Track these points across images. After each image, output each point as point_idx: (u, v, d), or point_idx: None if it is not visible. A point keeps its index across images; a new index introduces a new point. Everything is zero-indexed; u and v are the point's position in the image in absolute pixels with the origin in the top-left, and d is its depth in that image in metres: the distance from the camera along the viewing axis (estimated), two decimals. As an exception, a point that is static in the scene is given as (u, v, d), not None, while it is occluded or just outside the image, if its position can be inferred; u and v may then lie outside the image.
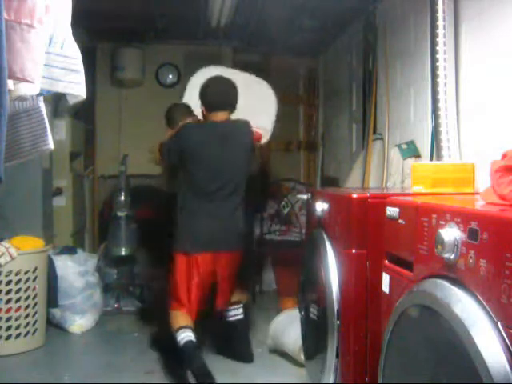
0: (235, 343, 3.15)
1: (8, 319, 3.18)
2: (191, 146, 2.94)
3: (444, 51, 2.48)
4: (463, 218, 1.19)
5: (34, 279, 3.28)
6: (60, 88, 1.73)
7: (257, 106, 3.54)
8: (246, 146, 3.05)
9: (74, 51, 1.75)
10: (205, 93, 3.02)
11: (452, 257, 1.20)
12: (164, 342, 3.26)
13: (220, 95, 3.01)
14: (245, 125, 3.07)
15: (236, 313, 3.18)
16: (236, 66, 5.40)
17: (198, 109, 3.24)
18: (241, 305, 3.21)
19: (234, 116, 3.11)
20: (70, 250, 3.88)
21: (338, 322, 1.97)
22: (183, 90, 4.85)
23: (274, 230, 4.72)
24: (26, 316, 3.25)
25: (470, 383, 1.08)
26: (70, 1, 1.72)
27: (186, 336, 2.77)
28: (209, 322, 3.07)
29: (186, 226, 2.95)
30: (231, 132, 3.02)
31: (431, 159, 2.73)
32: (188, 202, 2.96)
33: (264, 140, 3.58)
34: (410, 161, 2.92)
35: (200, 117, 3.25)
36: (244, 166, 3.03)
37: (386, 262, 1.63)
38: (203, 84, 3.08)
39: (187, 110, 3.74)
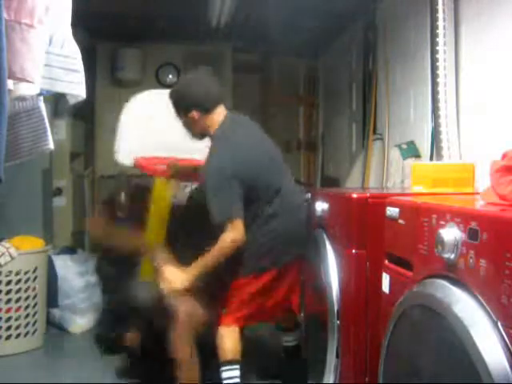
0: (292, 369, 2.74)
1: (8, 319, 3.18)
2: (253, 168, 2.35)
3: (444, 51, 2.48)
4: (463, 217, 1.19)
5: (34, 279, 3.28)
6: (60, 88, 1.73)
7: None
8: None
9: (74, 51, 1.75)
10: (195, 92, 2.41)
11: (452, 257, 1.20)
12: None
13: (213, 87, 2.46)
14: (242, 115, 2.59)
15: (295, 337, 2.78)
16: (236, 65, 5.42)
17: (144, 147, 2.87)
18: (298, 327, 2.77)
19: (170, 147, 2.82)
20: (70, 250, 3.89)
21: (338, 321, 1.97)
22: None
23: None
24: (26, 316, 3.25)
25: (470, 383, 1.08)
26: (69, 1, 1.73)
27: (232, 377, 2.39)
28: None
29: (268, 239, 2.38)
30: (248, 121, 2.54)
31: (431, 159, 2.73)
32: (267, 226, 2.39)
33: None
34: (410, 161, 2.92)
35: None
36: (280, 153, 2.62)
37: (386, 262, 1.63)
38: (183, 85, 2.51)
39: None
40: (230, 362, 2.41)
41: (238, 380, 2.40)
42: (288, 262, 2.42)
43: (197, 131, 2.47)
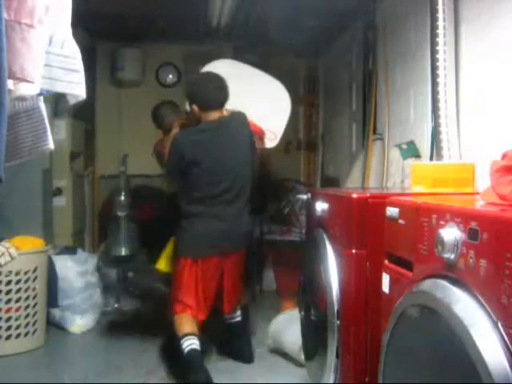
0: (235, 344, 3.12)
1: (8, 319, 3.18)
2: (191, 154, 2.81)
3: (444, 51, 2.48)
4: (463, 217, 1.19)
5: (34, 279, 3.28)
6: (60, 88, 1.73)
7: (268, 107, 3.33)
8: (246, 141, 2.95)
9: (74, 51, 1.75)
10: (198, 91, 2.91)
11: (452, 257, 1.20)
12: (166, 343, 3.26)
13: (215, 93, 2.89)
14: (241, 118, 2.97)
15: (234, 315, 3.12)
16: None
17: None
18: (238, 307, 3.15)
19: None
20: (70, 250, 3.88)
21: (338, 321, 1.97)
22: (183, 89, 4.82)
23: (274, 230, 4.71)
24: (26, 316, 3.25)
25: (470, 383, 1.08)
26: (69, 1, 1.73)
27: (190, 344, 2.70)
28: (211, 322, 2.99)
29: (190, 230, 2.86)
30: (229, 130, 2.92)
31: (431, 159, 2.73)
32: (192, 206, 2.86)
33: (271, 144, 3.41)
34: (410, 161, 2.92)
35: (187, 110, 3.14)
36: (247, 164, 2.94)
37: (386, 262, 1.63)
38: (192, 81, 3.01)
39: (175, 108, 3.68)
40: (186, 334, 2.73)
41: (196, 347, 2.68)
42: (206, 257, 2.82)
43: (194, 118, 2.98)
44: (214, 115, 2.88)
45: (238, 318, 3.16)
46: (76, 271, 3.66)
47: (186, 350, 2.69)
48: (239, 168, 2.90)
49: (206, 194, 2.84)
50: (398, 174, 3.06)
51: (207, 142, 2.85)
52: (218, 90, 2.89)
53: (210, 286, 2.87)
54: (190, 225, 2.87)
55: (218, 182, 2.84)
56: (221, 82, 2.89)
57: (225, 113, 2.93)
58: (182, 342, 2.72)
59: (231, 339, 3.16)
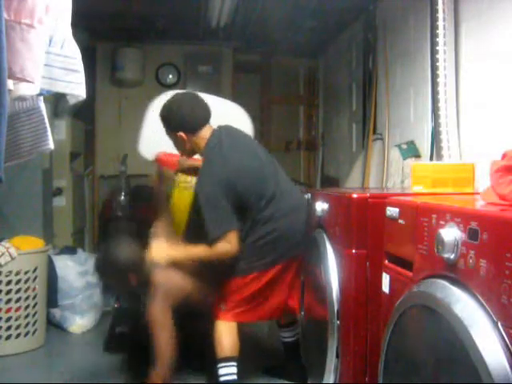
0: (290, 366, 2.80)
1: (8, 319, 3.18)
2: (237, 164, 2.43)
3: (444, 51, 2.48)
4: (463, 217, 1.19)
5: (34, 279, 3.28)
6: (60, 88, 1.73)
7: None
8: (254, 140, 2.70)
9: (73, 51, 1.75)
10: (181, 114, 2.49)
11: (452, 257, 1.20)
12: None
13: (200, 109, 2.54)
14: (232, 127, 2.64)
15: (292, 333, 2.81)
16: (236, 65, 5.42)
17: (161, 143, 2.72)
18: (296, 326, 2.78)
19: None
20: (70, 250, 3.88)
21: (338, 322, 1.97)
22: (183, 90, 4.83)
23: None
24: (26, 316, 3.25)
25: (470, 383, 1.08)
26: (70, 1, 1.73)
27: (229, 373, 2.42)
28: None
29: (266, 242, 2.44)
30: (238, 131, 2.63)
31: (431, 159, 2.74)
32: (261, 221, 2.44)
33: None
34: (410, 161, 2.92)
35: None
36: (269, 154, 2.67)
37: (386, 262, 1.63)
38: (170, 106, 2.54)
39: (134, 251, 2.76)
40: (228, 359, 2.45)
41: (235, 377, 2.43)
42: (285, 261, 2.48)
43: (186, 149, 2.57)
44: (208, 131, 2.52)
45: (296, 337, 2.81)
46: (76, 271, 3.66)
47: (222, 378, 2.43)
48: (271, 159, 2.63)
49: (265, 197, 2.44)
50: (398, 174, 3.06)
51: (237, 145, 2.52)
52: (202, 105, 2.56)
53: (273, 297, 2.52)
54: (265, 238, 2.45)
55: (269, 181, 2.49)
56: (197, 97, 2.59)
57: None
58: (220, 363, 2.44)
59: (285, 361, 2.85)
